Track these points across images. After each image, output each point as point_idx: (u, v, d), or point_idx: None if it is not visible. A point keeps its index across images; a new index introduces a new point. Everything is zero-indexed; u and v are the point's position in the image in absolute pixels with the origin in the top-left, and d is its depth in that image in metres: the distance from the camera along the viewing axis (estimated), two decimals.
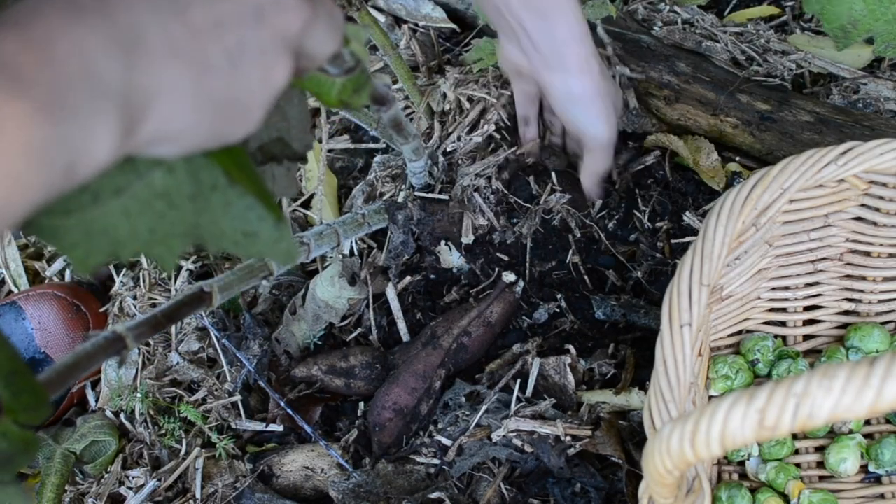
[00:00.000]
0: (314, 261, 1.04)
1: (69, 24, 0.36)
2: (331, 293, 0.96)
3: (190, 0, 0.41)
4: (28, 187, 0.35)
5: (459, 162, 1.00)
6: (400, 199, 0.99)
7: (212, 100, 0.42)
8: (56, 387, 0.54)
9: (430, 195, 0.98)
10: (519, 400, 0.89)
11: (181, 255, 1.06)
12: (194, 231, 0.51)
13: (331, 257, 1.01)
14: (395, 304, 0.99)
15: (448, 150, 1.02)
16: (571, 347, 0.92)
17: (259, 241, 0.54)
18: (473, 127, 1.03)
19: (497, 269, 0.97)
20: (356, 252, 1.02)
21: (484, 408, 0.89)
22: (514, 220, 0.98)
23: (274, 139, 0.60)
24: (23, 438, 0.45)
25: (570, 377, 0.90)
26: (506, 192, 0.98)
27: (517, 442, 0.86)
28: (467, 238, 0.95)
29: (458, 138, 1.02)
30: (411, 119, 1.10)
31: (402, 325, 0.99)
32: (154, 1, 0.40)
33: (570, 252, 0.98)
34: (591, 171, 0.90)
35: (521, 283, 0.96)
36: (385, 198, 1.03)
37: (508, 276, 0.95)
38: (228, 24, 0.42)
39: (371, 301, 1.00)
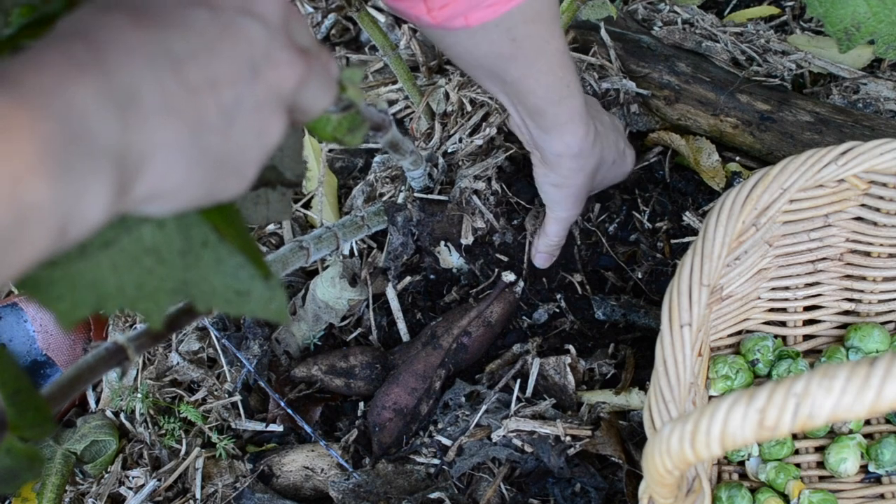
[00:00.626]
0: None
1: (65, 81, 0.36)
2: (331, 294, 0.96)
3: (185, 57, 0.40)
4: (20, 249, 0.34)
5: (460, 164, 1.00)
6: (400, 200, 0.99)
7: (206, 157, 0.42)
8: (59, 401, 0.54)
9: (430, 196, 0.98)
10: (519, 400, 0.89)
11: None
12: (183, 288, 0.50)
13: (331, 258, 1.01)
14: (395, 304, 0.99)
15: (449, 151, 1.02)
16: (571, 347, 0.92)
17: (251, 300, 0.53)
18: (475, 130, 1.03)
19: (497, 270, 0.97)
20: (356, 252, 1.02)
21: (484, 408, 0.89)
22: (515, 222, 0.98)
23: (267, 167, 0.59)
24: (28, 454, 0.45)
25: (570, 377, 0.90)
26: (506, 192, 0.98)
27: (517, 442, 0.86)
28: (466, 240, 0.95)
29: (460, 140, 1.02)
30: (410, 119, 1.10)
31: (402, 325, 0.99)
32: (150, 58, 0.39)
33: (571, 253, 0.98)
34: (547, 238, 0.94)
35: (521, 283, 0.96)
36: (385, 198, 1.03)
37: (508, 276, 0.95)
38: (224, 81, 0.42)
39: (371, 301, 1.00)
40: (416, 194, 0.98)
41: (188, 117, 0.40)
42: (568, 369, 0.90)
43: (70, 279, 0.45)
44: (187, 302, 0.68)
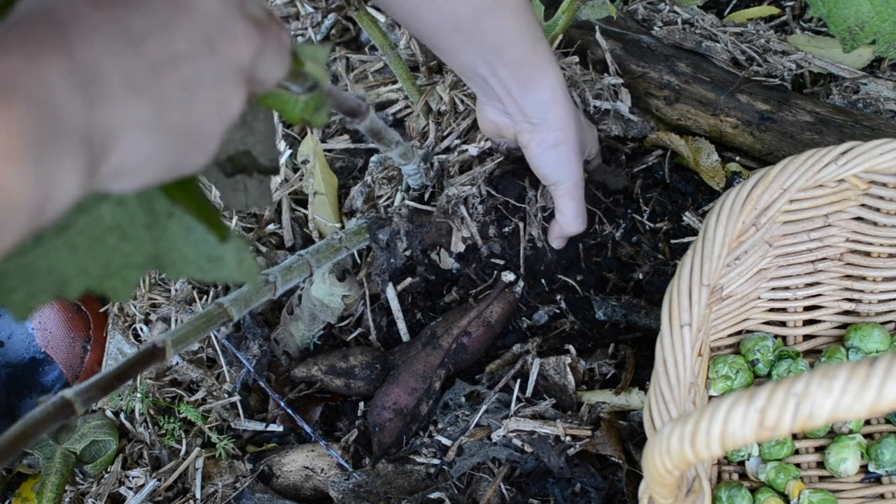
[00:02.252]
0: None
1: (29, 64, 0.36)
2: (323, 290, 0.96)
3: (144, 34, 0.41)
4: (1, 235, 0.35)
5: (450, 171, 0.99)
6: (397, 202, 0.99)
7: (170, 132, 0.43)
8: (4, 458, 0.54)
9: (417, 206, 0.97)
10: (519, 400, 0.89)
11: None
12: (153, 260, 0.51)
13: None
14: (394, 304, 0.99)
15: (443, 153, 1.02)
16: (571, 347, 0.92)
17: (225, 265, 0.54)
18: (470, 135, 1.02)
19: (496, 270, 0.97)
20: (354, 253, 1.02)
21: (484, 408, 0.89)
22: (506, 230, 0.97)
23: (241, 152, 0.60)
24: None
25: (570, 377, 0.90)
26: (494, 194, 0.97)
27: (517, 442, 0.86)
28: (457, 248, 0.95)
29: (455, 145, 1.02)
30: (409, 118, 1.10)
31: (402, 325, 0.98)
32: (110, 37, 0.40)
33: (573, 254, 0.98)
34: (566, 215, 0.92)
35: (521, 283, 0.96)
36: (382, 200, 1.02)
37: (508, 276, 0.95)
38: (183, 56, 0.43)
39: (368, 301, 1.00)
40: (405, 202, 0.97)
41: (150, 94, 0.41)
42: (568, 369, 0.90)
43: (24, 269, 0.45)
44: (139, 354, 0.67)
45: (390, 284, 0.99)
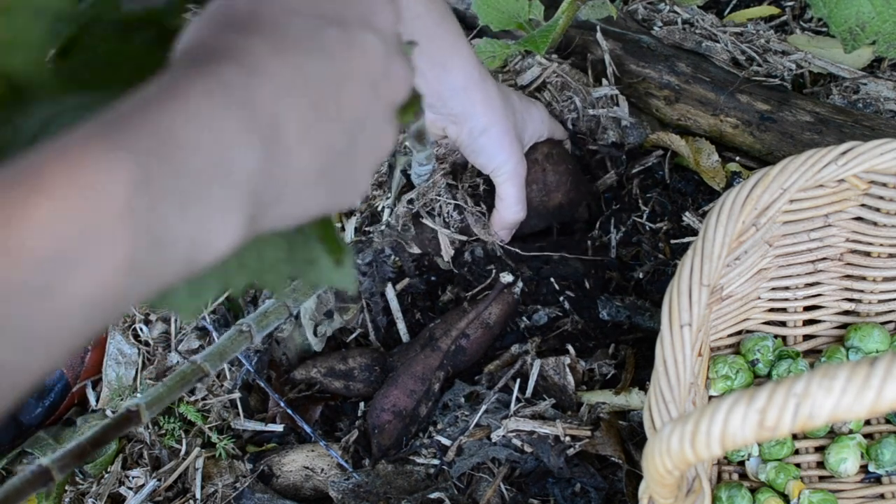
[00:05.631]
0: None
1: (211, 109, 0.35)
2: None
3: (319, 83, 0.40)
4: (149, 278, 0.34)
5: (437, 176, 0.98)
6: (389, 205, 0.98)
7: (333, 181, 0.42)
8: None
9: (401, 218, 0.96)
10: (518, 400, 0.89)
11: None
12: (290, 257, 0.49)
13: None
14: (394, 305, 0.99)
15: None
16: (571, 347, 0.92)
17: (319, 268, 0.53)
18: None
19: (494, 271, 0.96)
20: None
21: (483, 408, 0.89)
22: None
23: None
24: None
25: (570, 377, 0.90)
26: (463, 188, 0.96)
27: (517, 442, 0.86)
28: (447, 256, 0.95)
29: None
30: None
31: (401, 326, 0.98)
32: (290, 86, 0.38)
33: (575, 254, 0.98)
34: (506, 201, 0.90)
35: (520, 284, 0.95)
36: (380, 203, 1.02)
37: (506, 277, 0.95)
38: (350, 105, 0.41)
39: (366, 303, 0.99)
40: (387, 219, 0.97)
41: (320, 145, 0.40)
42: (567, 369, 0.90)
43: None
44: (115, 419, 0.67)
45: (389, 285, 0.99)
